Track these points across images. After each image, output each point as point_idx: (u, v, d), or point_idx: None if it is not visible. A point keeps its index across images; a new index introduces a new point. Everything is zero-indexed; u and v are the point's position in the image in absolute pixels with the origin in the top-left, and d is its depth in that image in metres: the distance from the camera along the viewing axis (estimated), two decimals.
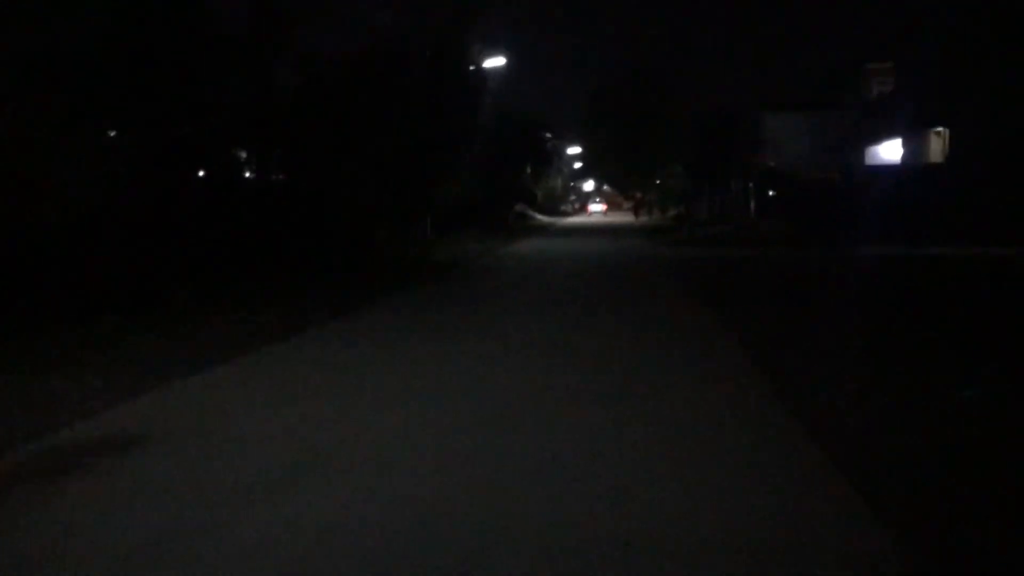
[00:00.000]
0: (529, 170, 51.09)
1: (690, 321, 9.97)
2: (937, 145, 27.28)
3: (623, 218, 57.84)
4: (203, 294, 12.10)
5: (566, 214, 69.91)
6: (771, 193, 33.25)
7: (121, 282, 11.48)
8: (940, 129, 26.96)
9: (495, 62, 28.62)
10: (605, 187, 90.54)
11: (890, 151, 31.61)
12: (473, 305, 12.04)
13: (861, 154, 33.99)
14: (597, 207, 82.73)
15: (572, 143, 75.37)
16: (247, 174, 22.71)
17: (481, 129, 28.58)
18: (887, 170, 28.37)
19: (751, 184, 35.96)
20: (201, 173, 19.91)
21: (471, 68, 27.26)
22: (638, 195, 61.21)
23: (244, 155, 22.18)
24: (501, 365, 7.32)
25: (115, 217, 12.89)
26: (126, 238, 12.86)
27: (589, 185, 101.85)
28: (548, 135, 55.01)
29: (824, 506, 3.82)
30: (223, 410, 5.78)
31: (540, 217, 53.45)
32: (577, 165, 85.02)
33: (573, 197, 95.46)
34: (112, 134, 15.19)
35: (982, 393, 5.69)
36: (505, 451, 4.74)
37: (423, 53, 23.72)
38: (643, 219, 50.10)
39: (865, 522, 3.66)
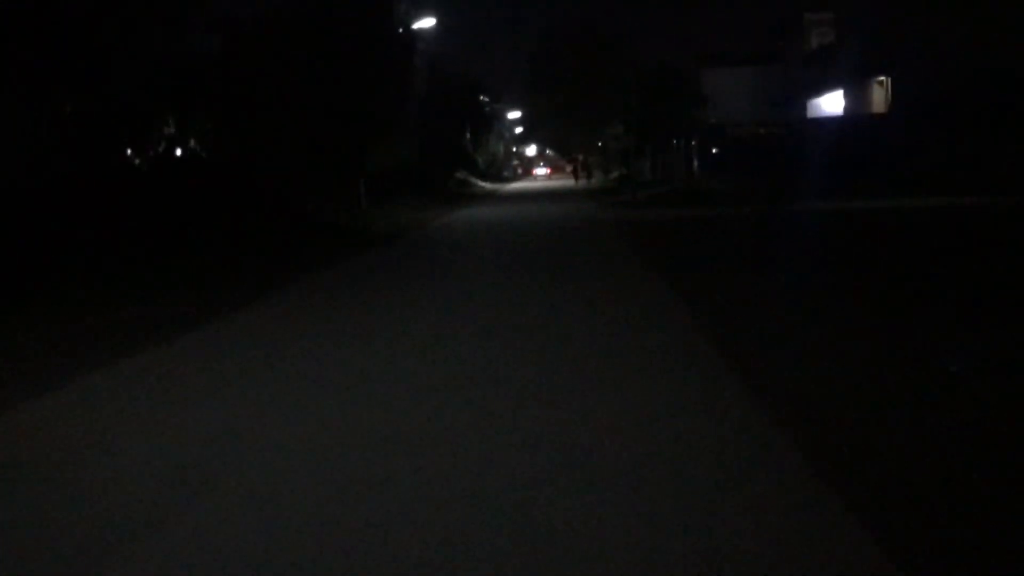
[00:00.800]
0: (469, 136, 49.86)
1: (643, 296, 9.21)
2: (879, 95, 27.01)
3: (566, 182, 56.97)
4: (105, 281, 10.93)
5: (508, 180, 68.95)
6: (714, 151, 32.69)
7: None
8: (882, 79, 26.65)
9: (425, 23, 27.38)
10: (548, 151, 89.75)
11: (832, 103, 31.30)
12: (407, 283, 11.09)
13: (803, 107, 33.66)
14: (542, 171, 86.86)
15: (512, 107, 74.24)
16: (178, 151, 21.38)
17: (414, 92, 27.40)
18: (830, 122, 28.01)
19: (693, 142, 35.35)
20: (129, 152, 18.60)
21: (400, 29, 25.99)
22: (579, 158, 60.29)
23: (171, 130, 20.82)
24: (452, 352, 6.45)
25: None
26: (12, 220, 11.62)
27: (531, 150, 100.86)
28: (486, 99, 53.79)
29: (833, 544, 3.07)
30: (87, 434, 4.78)
31: (482, 184, 52.18)
32: (518, 130, 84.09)
33: (515, 162, 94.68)
34: None
35: (971, 366, 5.01)
36: (433, 477, 3.89)
37: (346, 12, 22.37)
38: (582, 182, 49.19)
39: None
